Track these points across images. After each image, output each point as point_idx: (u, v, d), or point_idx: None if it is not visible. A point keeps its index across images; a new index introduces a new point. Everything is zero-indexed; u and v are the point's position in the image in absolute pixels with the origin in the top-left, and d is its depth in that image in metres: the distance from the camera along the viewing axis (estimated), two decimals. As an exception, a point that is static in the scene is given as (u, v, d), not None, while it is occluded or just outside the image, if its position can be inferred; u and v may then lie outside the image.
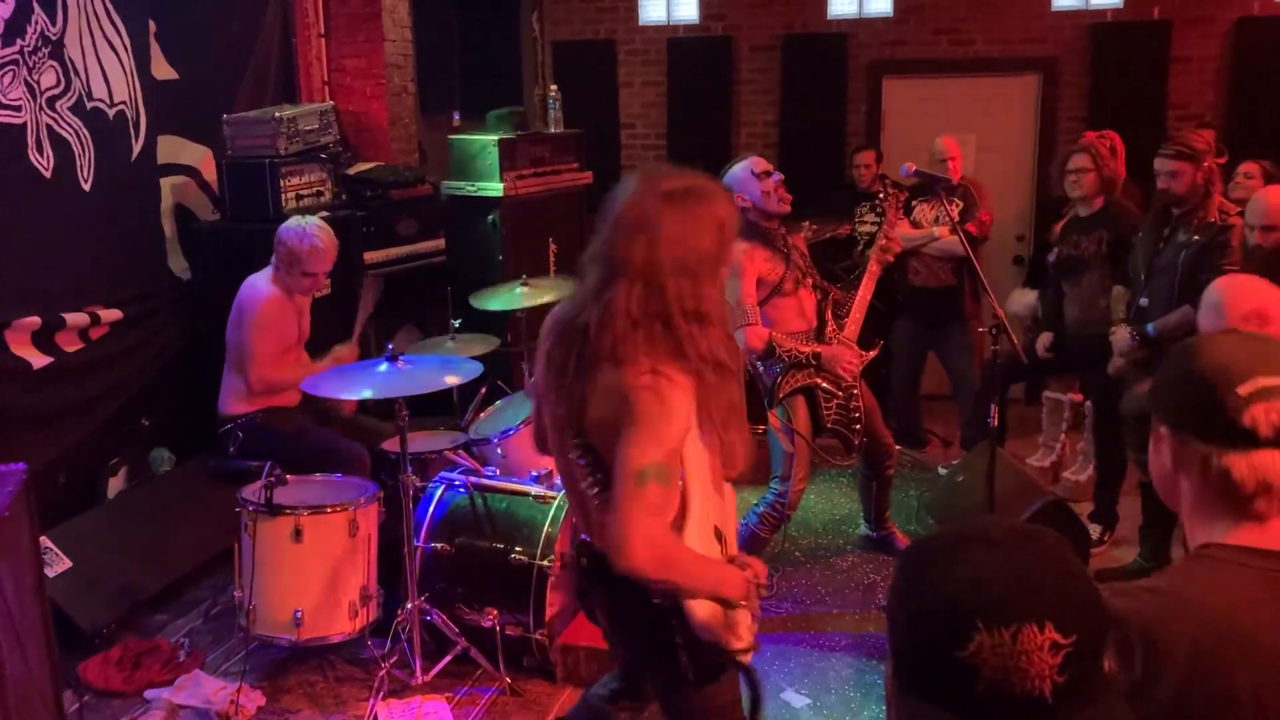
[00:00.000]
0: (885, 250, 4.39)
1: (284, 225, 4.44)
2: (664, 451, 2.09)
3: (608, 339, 2.15)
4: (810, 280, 4.33)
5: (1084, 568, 1.17)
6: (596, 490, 2.24)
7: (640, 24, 7.95)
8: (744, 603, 2.29)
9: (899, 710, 1.18)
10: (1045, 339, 5.16)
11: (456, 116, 7.16)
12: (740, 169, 4.20)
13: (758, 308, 4.13)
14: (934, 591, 1.14)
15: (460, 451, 4.34)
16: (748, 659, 2.36)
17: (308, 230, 4.39)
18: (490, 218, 5.49)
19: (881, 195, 4.56)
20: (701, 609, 2.24)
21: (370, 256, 5.57)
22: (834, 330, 4.32)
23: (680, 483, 2.19)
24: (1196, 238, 4.36)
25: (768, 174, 4.18)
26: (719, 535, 2.35)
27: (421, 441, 4.34)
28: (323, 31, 6.34)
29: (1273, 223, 4.03)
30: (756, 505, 4.34)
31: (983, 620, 1.09)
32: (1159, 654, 1.38)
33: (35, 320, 4.35)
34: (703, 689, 2.32)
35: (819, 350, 4.20)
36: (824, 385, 4.22)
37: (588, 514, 2.34)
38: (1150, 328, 4.41)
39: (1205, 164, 4.36)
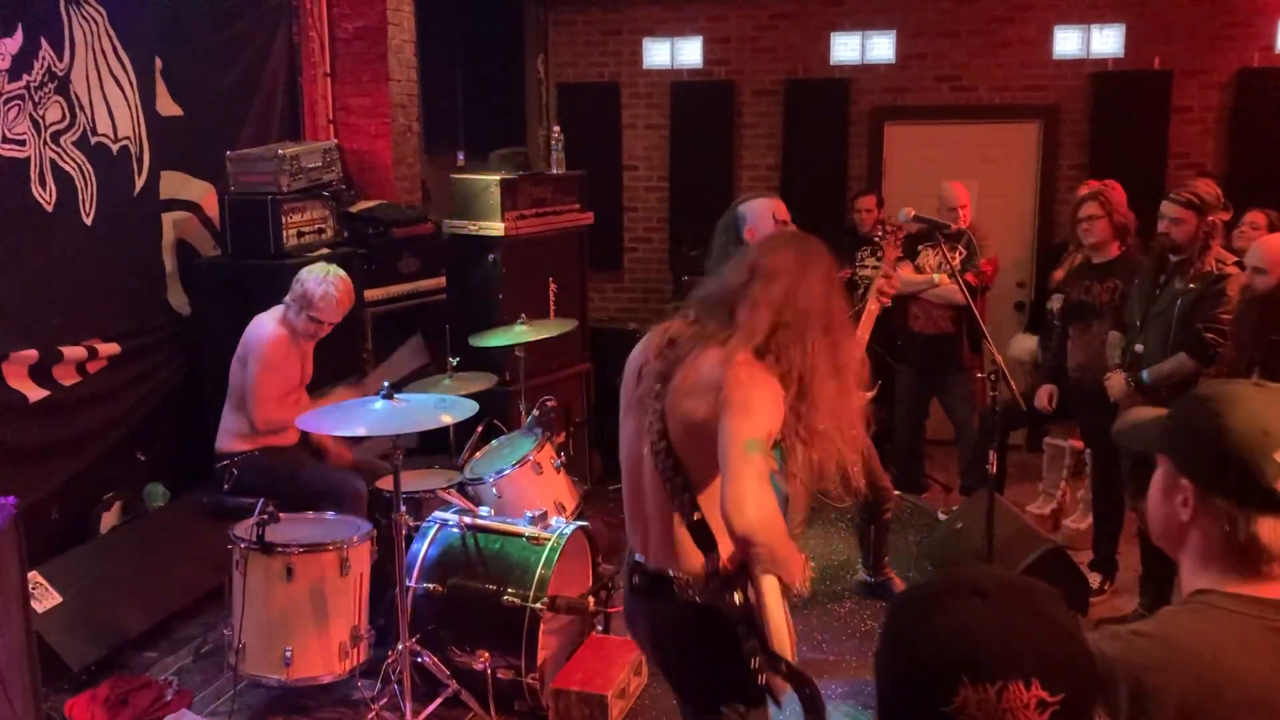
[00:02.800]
0: (882, 291, 4.38)
1: (308, 268, 4.43)
2: (763, 430, 2.20)
3: (715, 330, 2.33)
4: None
5: (1076, 623, 1.14)
6: (669, 496, 2.31)
7: (644, 67, 8.01)
8: (799, 588, 2.36)
9: None
10: (1047, 392, 5.11)
11: (460, 156, 7.20)
12: (762, 206, 4.16)
13: None
14: (919, 643, 1.12)
15: (454, 491, 4.32)
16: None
17: (328, 279, 4.40)
18: (491, 257, 5.50)
19: (879, 235, 4.55)
20: (777, 616, 2.28)
21: (371, 294, 5.57)
22: None
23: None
24: (1192, 286, 4.37)
25: (784, 223, 4.16)
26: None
27: (416, 480, 4.32)
28: (328, 70, 6.39)
29: (1260, 266, 4.04)
30: None
31: (968, 675, 1.07)
32: (1146, 701, 1.36)
33: (32, 353, 4.34)
34: (755, 710, 2.36)
35: None
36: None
37: (647, 533, 2.40)
38: (1145, 374, 4.41)
39: (1210, 217, 4.37)
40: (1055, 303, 5.56)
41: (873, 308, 4.39)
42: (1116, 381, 4.53)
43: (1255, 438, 1.42)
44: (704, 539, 2.29)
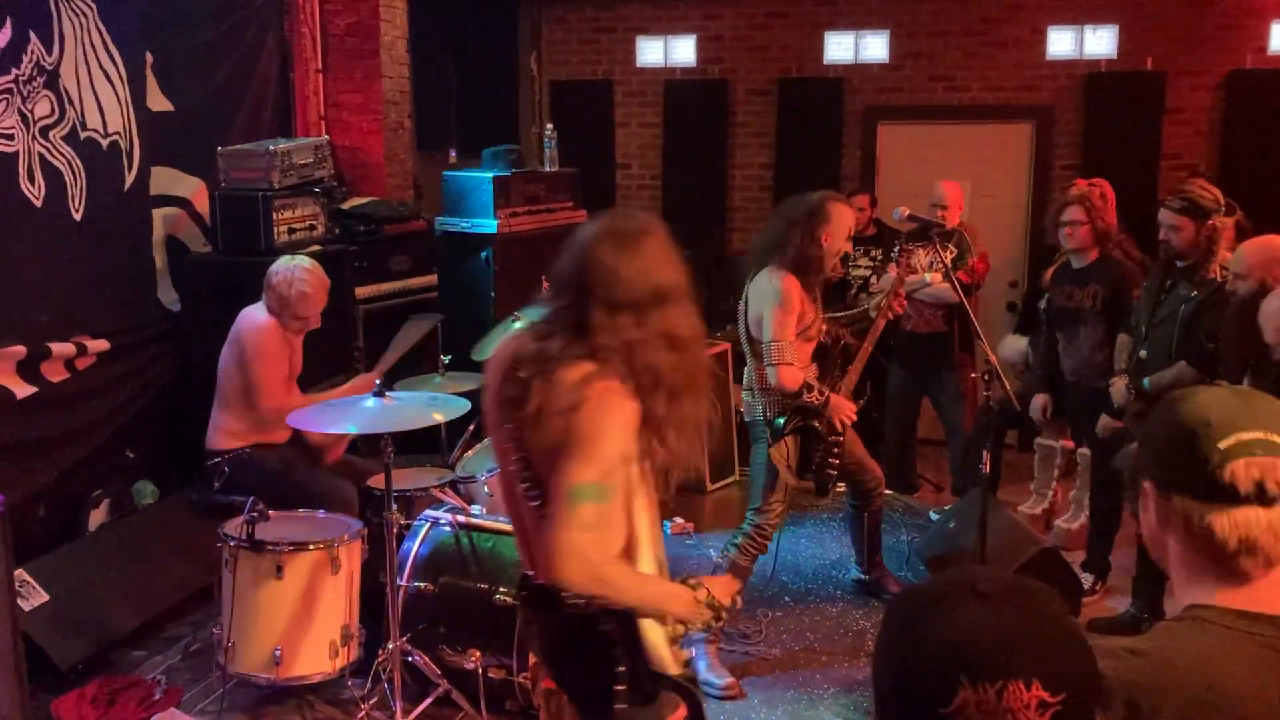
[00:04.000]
0: (891, 309, 4.41)
1: (273, 267, 4.36)
2: (599, 471, 2.13)
3: (560, 348, 2.20)
4: (825, 327, 4.33)
5: (1076, 623, 1.13)
6: (538, 512, 2.25)
7: (638, 65, 8.00)
8: (696, 622, 2.33)
9: None
10: (1041, 403, 5.10)
11: (453, 154, 7.17)
12: (848, 216, 4.18)
13: (795, 346, 4.07)
14: (918, 644, 1.11)
15: (446, 489, 4.30)
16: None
17: (296, 275, 4.34)
18: (483, 255, 5.48)
19: (897, 251, 4.57)
20: (652, 633, 2.27)
21: (362, 291, 5.54)
22: (838, 376, 4.33)
23: (627, 513, 2.24)
24: (1195, 293, 4.34)
25: (850, 239, 4.20)
26: (660, 566, 2.39)
27: (407, 478, 4.30)
28: (320, 67, 6.36)
29: (1240, 271, 4.03)
30: (734, 537, 4.31)
31: (967, 676, 1.06)
32: (1142, 719, 1.35)
33: (20, 350, 4.30)
34: (638, 712, 2.31)
35: (829, 397, 4.18)
36: (817, 428, 4.21)
37: (526, 540, 2.37)
38: (1146, 383, 4.39)
39: (1210, 221, 4.31)
40: (1047, 303, 5.55)
41: (879, 324, 4.40)
42: (1118, 388, 4.52)
43: (1199, 429, 1.41)
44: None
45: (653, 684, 2.30)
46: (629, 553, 2.27)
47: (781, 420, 4.16)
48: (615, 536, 2.23)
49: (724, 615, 2.37)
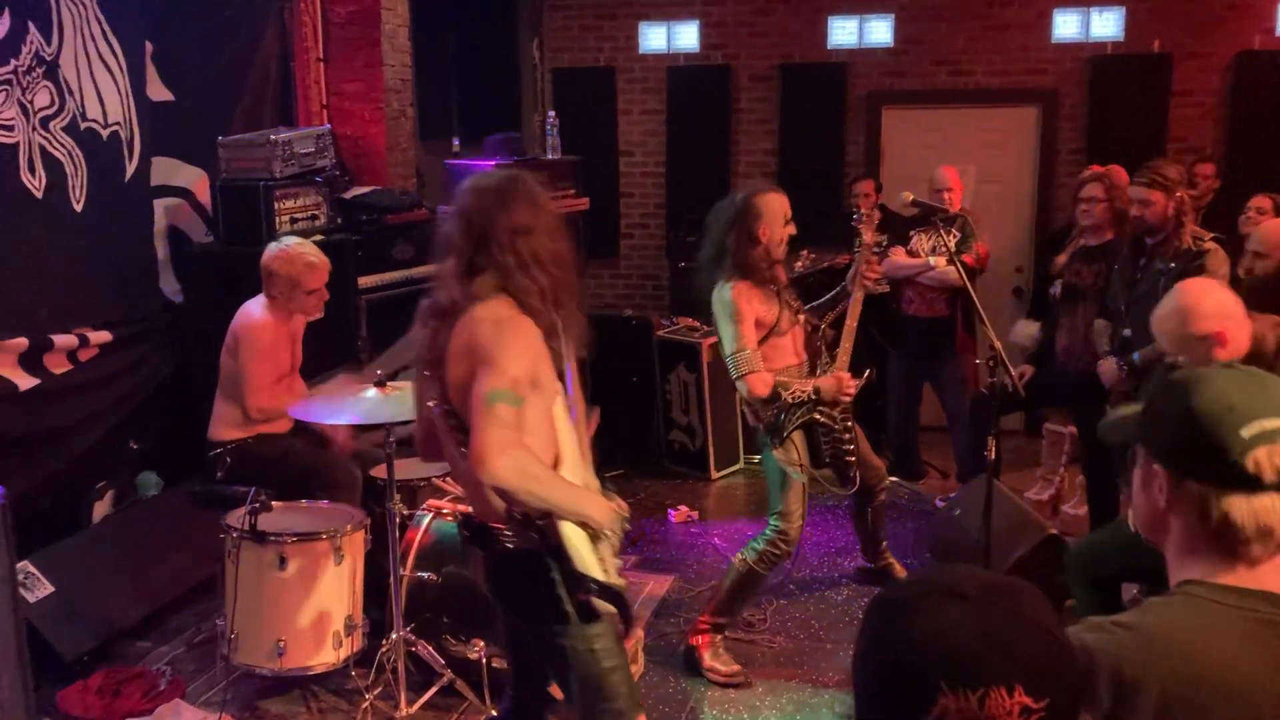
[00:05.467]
0: (866, 278, 4.33)
1: (267, 256, 4.30)
2: (509, 379, 2.36)
3: (459, 290, 2.48)
4: (801, 315, 4.27)
5: (1060, 624, 1.10)
6: (462, 451, 2.46)
7: (640, 52, 7.95)
8: (609, 531, 2.54)
9: None
10: (1021, 370, 5.12)
11: (455, 142, 7.14)
12: (776, 203, 4.11)
13: (758, 353, 4.03)
14: (897, 649, 1.08)
15: (449, 479, 4.28)
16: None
17: (292, 252, 4.31)
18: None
19: (855, 217, 4.48)
20: (572, 537, 2.46)
21: (365, 281, 5.52)
22: (827, 362, 4.28)
23: (554, 439, 2.51)
24: (1173, 264, 4.39)
25: (789, 222, 4.13)
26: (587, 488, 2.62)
27: (410, 468, 4.29)
28: (321, 56, 6.33)
29: (1260, 250, 4.03)
30: (755, 541, 4.19)
31: (947, 682, 1.03)
32: (1127, 692, 1.34)
33: (22, 341, 4.29)
34: (586, 628, 2.52)
35: (818, 385, 4.12)
36: (821, 420, 4.15)
37: (463, 482, 2.65)
38: (1136, 356, 4.39)
39: (1178, 194, 4.42)
40: (1057, 288, 5.53)
41: (858, 296, 4.34)
42: (1108, 367, 4.52)
43: (1220, 414, 1.40)
44: (499, 491, 2.42)
45: (582, 590, 2.49)
46: (554, 469, 2.50)
47: (779, 420, 4.10)
48: (536, 440, 2.42)
49: (627, 526, 2.62)
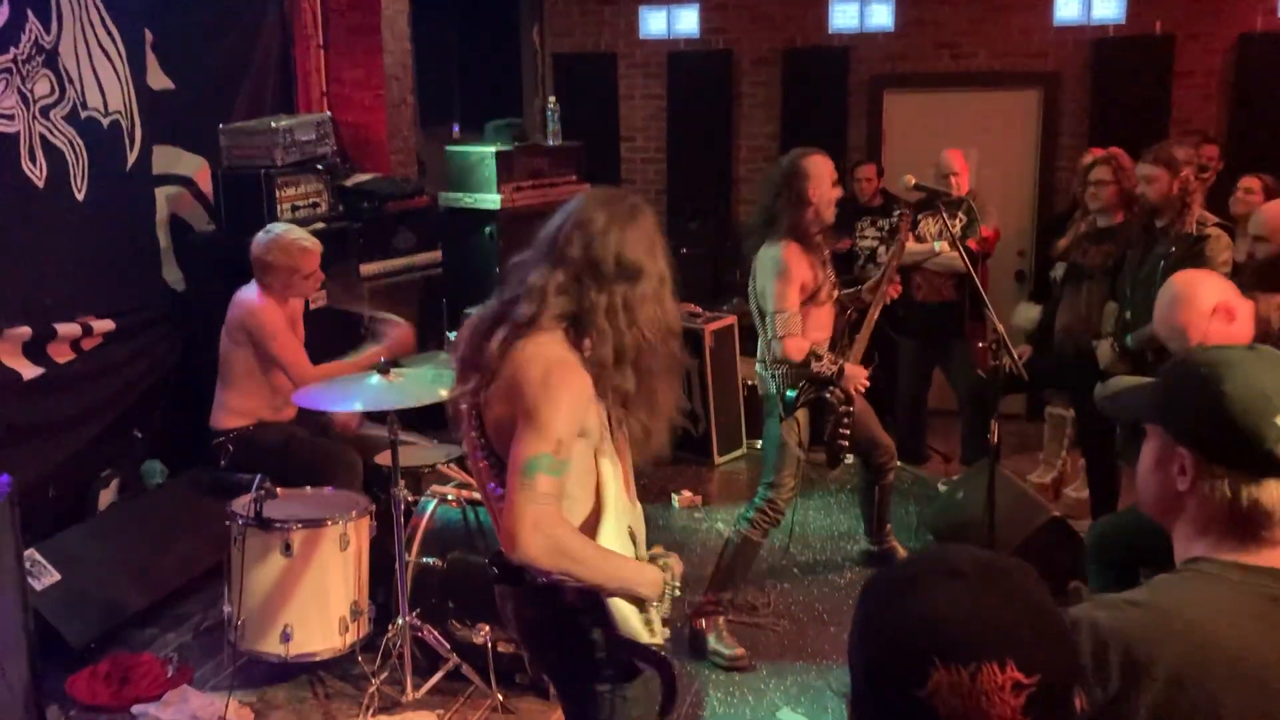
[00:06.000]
0: (889, 296, 4.39)
1: (259, 248, 4.29)
2: (552, 442, 2.11)
3: (524, 313, 2.20)
4: (837, 291, 4.30)
5: (1053, 603, 1.11)
6: (497, 495, 2.25)
7: (641, 37, 7.94)
8: (658, 602, 2.30)
9: None
10: (1020, 352, 5.12)
11: (456, 129, 7.14)
12: (824, 165, 4.10)
13: (799, 316, 4.04)
14: (891, 625, 1.10)
15: (453, 465, 4.29)
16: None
17: (285, 240, 4.32)
18: (487, 230, 5.46)
19: (896, 219, 4.51)
20: (619, 601, 2.25)
21: (366, 268, 5.53)
22: (846, 344, 4.30)
23: (595, 487, 2.26)
24: (1173, 249, 4.37)
25: (837, 184, 4.15)
26: (633, 537, 2.37)
27: (414, 455, 4.30)
28: (321, 43, 6.32)
29: (1260, 234, 4.02)
30: (746, 511, 4.26)
31: (940, 658, 1.04)
32: (1138, 670, 1.35)
33: (26, 331, 4.30)
34: (618, 689, 2.31)
35: (843, 366, 4.13)
36: (829, 399, 4.17)
37: (493, 513, 2.35)
38: (1129, 339, 4.40)
39: (1183, 174, 4.40)
40: (1059, 271, 5.53)
41: (873, 315, 4.36)
42: (1104, 349, 4.53)
43: (1256, 402, 1.41)
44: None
45: (625, 653, 2.28)
46: (592, 523, 2.26)
47: (793, 393, 4.12)
48: (576, 508, 2.23)
49: (678, 593, 2.36)
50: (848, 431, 4.24)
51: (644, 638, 2.28)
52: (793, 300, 4.01)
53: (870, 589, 1.17)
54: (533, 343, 2.18)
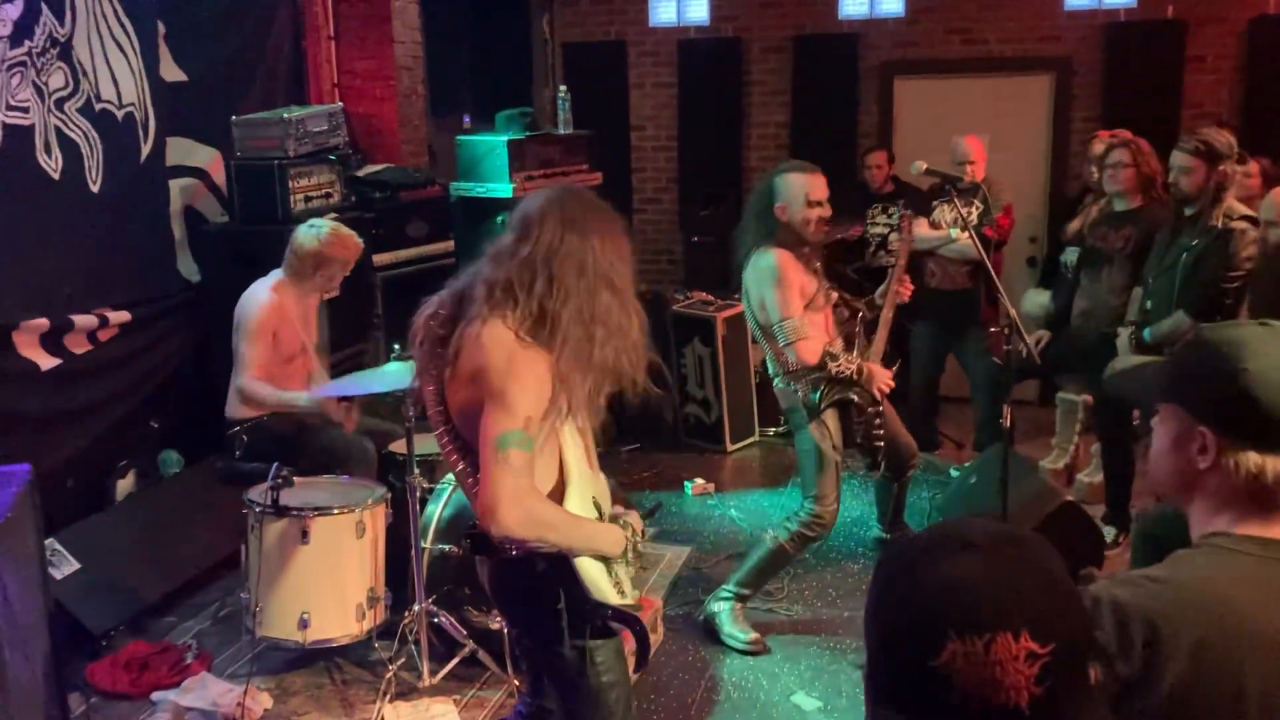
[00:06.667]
0: (900, 296, 4.35)
1: (316, 242, 4.30)
2: (521, 419, 2.21)
3: (483, 293, 2.30)
4: (834, 295, 4.24)
5: (1066, 574, 1.12)
6: (468, 474, 2.37)
7: (651, 25, 7.93)
8: (622, 558, 2.44)
9: None
10: (1037, 335, 5.12)
11: (466, 119, 7.15)
12: (798, 183, 4.01)
13: (805, 319, 3.98)
14: (906, 597, 1.11)
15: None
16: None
17: (342, 234, 4.35)
18: (499, 219, 5.46)
19: (896, 218, 4.46)
20: (587, 566, 2.36)
21: (379, 259, 5.55)
22: (865, 346, 4.26)
23: (558, 460, 2.39)
24: (1196, 241, 4.32)
25: (818, 204, 4.03)
26: (597, 506, 2.49)
27: (429, 442, 4.31)
28: (332, 34, 6.34)
29: (1274, 219, 3.99)
30: (789, 521, 4.16)
31: (955, 628, 1.05)
32: (1161, 646, 1.36)
33: (43, 322, 4.34)
34: (593, 650, 2.42)
35: (864, 365, 4.08)
36: (856, 400, 4.12)
37: (466, 491, 2.44)
38: (1147, 333, 4.38)
39: (1221, 166, 4.29)
40: (1069, 255, 5.52)
41: (887, 316, 4.33)
42: (1125, 339, 4.51)
43: (1276, 384, 1.42)
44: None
45: (596, 614, 2.39)
46: (559, 491, 2.38)
47: (816, 395, 4.06)
48: (541, 479, 2.32)
49: (643, 546, 2.51)
50: (881, 431, 4.18)
51: (613, 599, 2.40)
52: (796, 306, 3.96)
53: (885, 561, 1.18)
54: (493, 328, 2.26)
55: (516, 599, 2.51)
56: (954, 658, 1.05)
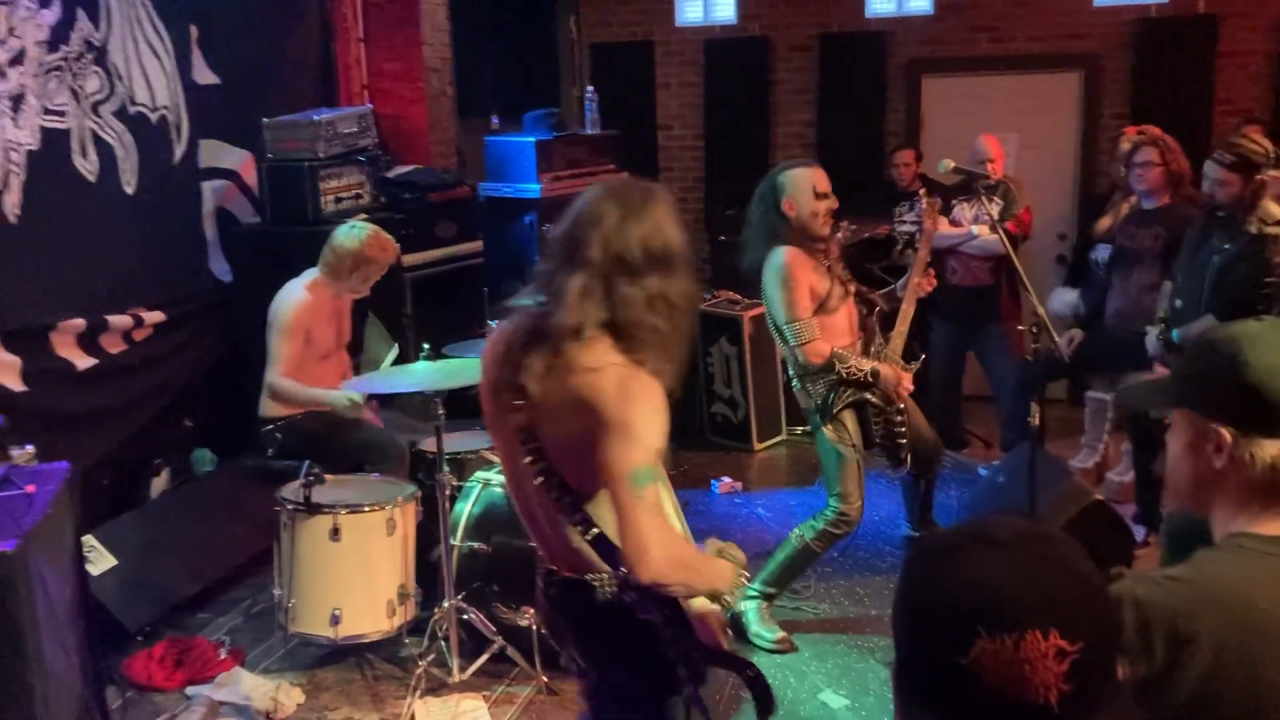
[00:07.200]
0: (921, 288, 4.31)
1: (351, 241, 4.35)
2: (648, 450, 2.03)
3: (568, 325, 2.08)
4: (854, 292, 4.20)
5: (1094, 570, 1.13)
6: (559, 513, 2.17)
7: (677, 25, 7.94)
8: (729, 595, 2.25)
9: (901, 718, 1.15)
10: (1069, 335, 5.09)
11: (495, 120, 7.19)
12: (801, 177, 4.00)
13: (814, 321, 3.96)
14: (934, 594, 1.11)
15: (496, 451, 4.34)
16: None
17: (383, 237, 4.40)
18: (527, 219, 5.50)
19: (920, 208, 4.43)
20: (708, 614, 2.20)
21: (409, 259, 5.59)
22: (881, 343, 4.23)
23: None
24: (1228, 246, 4.28)
25: (825, 195, 4.01)
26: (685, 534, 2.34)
27: (458, 440, 4.36)
28: (362, 36, 6.39)
29: None
30: (816, 520, 4.16)
31: (984, 626, 1.06)
32: (1182, 645, 1.36)
33: (80, 322, 4.41)
34: (695, 698, 2.24)
35: (877, 368, 4.05)
36: (873, 401, 4.10)
37: (544, 536, 2.26)
38: (1176, 335, 4.35)
39: (1258, 177, 4.23)
40: (1099, 253, 5.49)
41: (907, 309, 4.31)
42: (1153, 338, 4.49)
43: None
44: (606, 552, 2.13)
45: (707, 664, 2.24)
46: None
47: (830, 397, 4.05)
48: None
49: (745, 582, 2.31)
50: (903, 429, 4.17)
51: (725, 645, 2.25)
52: (804, 307, 3.94)
53: (912, 560, 1.19)
54: (589, 354, 2.07)
55: (617, 649, 2.27)
56: (983, 656, 1.05)
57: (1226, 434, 1.47)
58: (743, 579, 2.26)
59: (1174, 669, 1.36)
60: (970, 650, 1.06)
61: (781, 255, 3.97)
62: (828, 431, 4.07)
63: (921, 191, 4.52)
